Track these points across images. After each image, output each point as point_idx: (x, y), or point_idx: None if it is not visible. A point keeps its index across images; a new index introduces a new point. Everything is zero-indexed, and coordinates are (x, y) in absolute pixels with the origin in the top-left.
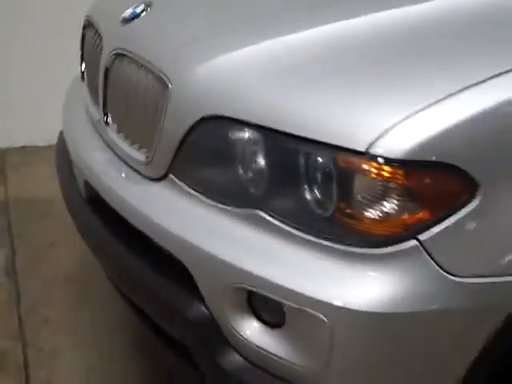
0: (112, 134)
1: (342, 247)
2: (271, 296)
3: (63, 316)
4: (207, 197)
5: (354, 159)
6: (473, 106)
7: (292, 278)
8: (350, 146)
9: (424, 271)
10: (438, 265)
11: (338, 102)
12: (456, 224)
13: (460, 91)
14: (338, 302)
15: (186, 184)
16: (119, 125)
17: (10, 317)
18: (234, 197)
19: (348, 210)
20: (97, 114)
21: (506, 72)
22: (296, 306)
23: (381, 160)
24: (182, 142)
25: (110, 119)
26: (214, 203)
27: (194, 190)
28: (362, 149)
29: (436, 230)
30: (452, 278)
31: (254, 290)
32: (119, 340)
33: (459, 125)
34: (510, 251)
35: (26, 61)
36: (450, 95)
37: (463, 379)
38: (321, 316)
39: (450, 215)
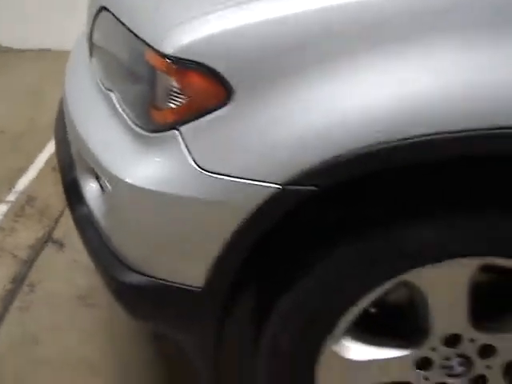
0: None
1: (138, 130)
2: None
3: None
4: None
5: (150, 52)
6: (243, 19)
7: (100, 150)
8: (148, 41)
9: (180, 159)
10: (191, 156)
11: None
12: (210, 123)
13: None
14: (115, 172)
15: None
16: None
17: None
18: (110, 78)
19: (148, 98)
20: None
21: None
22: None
23: (160, 54)
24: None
25: None
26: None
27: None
28: (152, 43)
29: (193, 124)
30: (200, 170)
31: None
32: None
33: (227, 33)
34: (255, 157)
35: None
36: (236, 4)
37: (216, 264)
38: (108, 184)
39: (207, 113)
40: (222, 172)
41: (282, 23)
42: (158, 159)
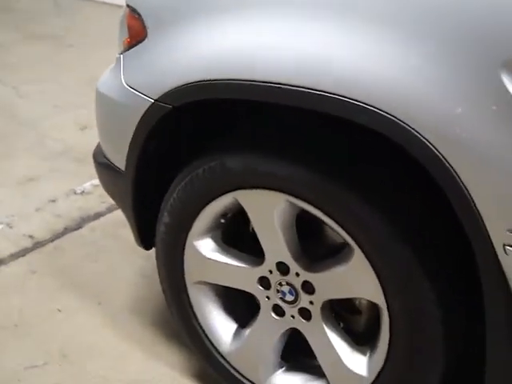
0: None
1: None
2: None
3: None
4: None
5: None
6: None
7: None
8: None
9: (119, 75)
10: (122, 73)
11: None
12: (133, 52)
13: None
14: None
15: None
16: None
17: None
18: None
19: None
20: None
21: None
22: None
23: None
24: None
25: None
26: None
27: None
28: None
29: (127, 52)
30: (124, 83)
31: None
32: None
33: None
34: (148, 78)
35: None
36: None
37: (127, 154)
38: None
39: (135, 45)
40: (132, 86)
41: None
42: (113, 74)
